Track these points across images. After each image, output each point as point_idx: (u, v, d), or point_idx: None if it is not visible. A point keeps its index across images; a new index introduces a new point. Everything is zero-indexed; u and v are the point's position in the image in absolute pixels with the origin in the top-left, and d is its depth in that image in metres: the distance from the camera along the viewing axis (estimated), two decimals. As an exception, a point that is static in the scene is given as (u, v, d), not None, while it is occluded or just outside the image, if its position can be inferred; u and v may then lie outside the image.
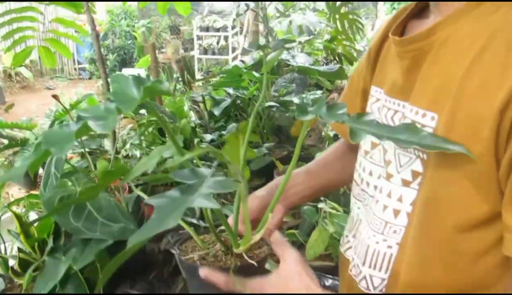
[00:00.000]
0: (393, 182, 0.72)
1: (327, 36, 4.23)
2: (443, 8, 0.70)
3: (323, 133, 2.63)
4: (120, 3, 9.73)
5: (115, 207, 1.27)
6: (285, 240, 0.77)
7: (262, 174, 2.04)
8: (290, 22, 3.11)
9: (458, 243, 0.66)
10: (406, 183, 0.70)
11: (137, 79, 0.67)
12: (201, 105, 2.25)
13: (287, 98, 2.25)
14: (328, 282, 1.37)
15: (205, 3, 8.38)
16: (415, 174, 0.69)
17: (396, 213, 0.72)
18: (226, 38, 8.73)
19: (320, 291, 0.70)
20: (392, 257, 0.74)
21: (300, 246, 1.54)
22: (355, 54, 4.16)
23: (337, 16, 3.52)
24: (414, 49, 0.71)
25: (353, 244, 0.87)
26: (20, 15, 1.96)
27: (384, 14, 13.82)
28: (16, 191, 3.30)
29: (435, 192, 0.66)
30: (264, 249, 0.90)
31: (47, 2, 1.91)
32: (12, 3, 1.97)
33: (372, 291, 0.77)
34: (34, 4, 1.90)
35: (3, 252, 1.59)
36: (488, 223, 0.63)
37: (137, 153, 2.21)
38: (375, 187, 0.79)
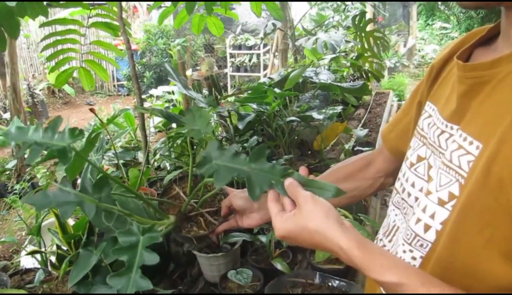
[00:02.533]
0: (430, 199, 0.75)
1: (354, 54, 4.33)
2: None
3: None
4: (156, 22, 10.05)
5: (143, 210, 1.40)
6: (299, 185, 0.82)
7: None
8: (316, 40, 3.23)
9: (479, 271, 0.67)
10: (441, 202, 0.73)
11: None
12: (227, 120, 2.39)
13: (308, 113, 2.36)
14: (335, 283, 1.46)
15: (238, 22, 8.61)
16: (451, 196, 0.71)
17: (427, 228, 0.75)
18: (258, 56, 8.95)
19: (336, 216, 0.75)
20: None
21: (312, 250, 1.64)
22: (385, 71, 4.23)
23: (362, 34, 3.63)
24: (474, 77, 0.72)
25: (389, 249, 0.91)
26: (63, 38, 2.14)
27: (417, 30, 13.80)
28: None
29: (465, 218, 0.68)
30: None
31: (89, 24, 2.08)
32: (57, 26, 2.14)
33: None
34: (76, 26, 2.07)
35: (43, 248, 1.76)
36: None
37: (167, 164, 2.37)
38: (416, 198, 0.83)
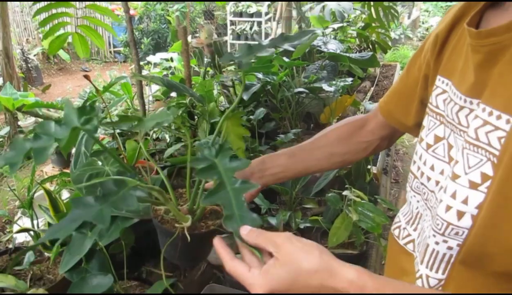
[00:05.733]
0: (459, 183, 0.68)
1: (360, 24, 4.17)
2: None
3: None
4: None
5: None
6: (263, 230, 0.68)
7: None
8: (323, 7, 3.07)
9: None
10: (474, 185, 0.66)
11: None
12: (231, 90, 2.25)
13: (317, 84, 2.23)
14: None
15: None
16: (484, 177, 0.65)
17: (460, 214, 0.68)
18: (259, 23, 8.70)
19: (326, 249, 0.66)
20: (451, 259, 0.73)
21: (323, 233, 1.54)
22: (389, 42, 4.09)
23: (371, 3, 3.47)
24: (491, 43, 0.66)
25: (415, 238, 0.86)
26: (57, 1, 1.99)
27: (422, 2, 13.52)
28: (50, 169, 3.39)
29: (507, 199, 0.62)
30: (218, 222, 0.95)
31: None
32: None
33: None
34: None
35: (35, 221, 1.65)
36: None
37: (167, 136, 2.24)
38: (437, 182, 0.77)
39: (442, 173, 0.76)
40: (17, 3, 9.55)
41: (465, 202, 0.67)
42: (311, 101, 2.39)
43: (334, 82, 2.16)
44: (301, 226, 1.52)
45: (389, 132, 1.04)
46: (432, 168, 0.78)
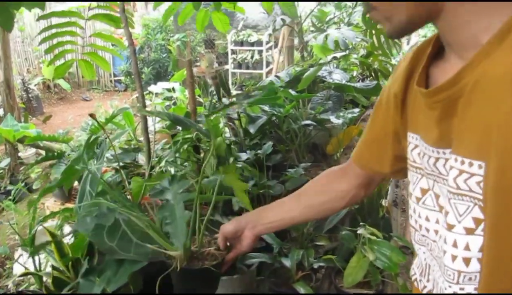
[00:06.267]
0: (456, 232, 0.70)
1: (362, 51, 4.18)
2: (462, 52, 0.69)
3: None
4: (155, 16, 9.88)
5: (150, 227, 1.24)
6: None
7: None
8: (326, 36, 3.07)
9: None
10: (469, 231, 0.68)
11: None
12: (236, 122, 2.22)
13: (323, 116, 2.20)
14: (368, 312, 1.31)
15: (240, 17, 8.42)
16: (477, 221, 0.67)
17: (467, 261, 0.70)
18: (260, 52, 8.73)
19: None
20: None
21: (337, 272, 1.48)
22: (390, 69, 4.09)
23: (373, 32, 3.47)
24: (443, 98, 0.69)
25: (431, 289, 0.85)
26: (62, 30, 1.99)
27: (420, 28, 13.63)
28: (51, 203, 3.34)
29: (501, 234, 0.65)
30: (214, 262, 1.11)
31: (89, 16, 1.93)
32: (54, 19, 1.99)
33: None
34: (74, 19, 1.92)
35: (38, 268, 1.59)
36: None
37: (172, 170, 2.19)
38: (436, 232, 0.79)
39: (437, 222, 0.78)
40: (18, 33, 9.62)
41: (467, 248, 0.69)
42: (318, 132, 2.36)
43: (341, 114, 2.13)
44: (315, 266, 1.47)
45: (365, 180, 1.07)
46: (427, 219, 0.80)
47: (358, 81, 3.84)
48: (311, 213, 1.14)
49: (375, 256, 1.32)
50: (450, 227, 0.71)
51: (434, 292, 0.83)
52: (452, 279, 0.72)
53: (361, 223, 1.44)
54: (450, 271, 0.72)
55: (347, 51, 3.66)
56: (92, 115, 1.33)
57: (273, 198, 1.92)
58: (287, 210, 1.14)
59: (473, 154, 0.66)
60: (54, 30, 1.99)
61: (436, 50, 0.77)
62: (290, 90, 2.13)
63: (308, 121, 2.12)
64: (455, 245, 0.70)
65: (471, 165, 0.66)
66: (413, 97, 0.81)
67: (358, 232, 1.40)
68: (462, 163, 0.67)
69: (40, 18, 1.88)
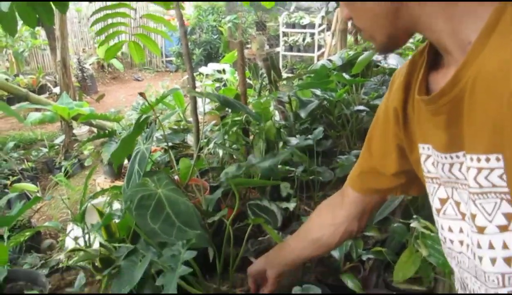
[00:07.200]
0: (489, 233, 0.67)
1: (419, 35, 4.01)
2: (455, 54, 0.69)
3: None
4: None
5: (194, 214, 1.22)
6: None
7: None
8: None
9: None
10: (503, 228, 0.66)
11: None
12: (287, 106, 2.17)
13: (377, 102, 2.11)
14: (419, 309, 1.25)
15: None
16: (508, 216, 0.65)
17: (508, 260, 0.67)
18: (312, 35, 8.58)
19: None
20: None
21: (387, 265, 1.42)
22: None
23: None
24: (446, 102, 0.69)
25: None
26: (114, 11, 2.00)
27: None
28: (102, 180, 3.42)
29: None
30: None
31: (139, -2, 1.93)
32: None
33: None
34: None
35: (87, 243, 1.62)
36: None
37: (220, 152, 2.18)
38: (461, 242, 0.76)
39: (461, 231, 0.75)
40: (75, 14, 9.89)
41: (505, 246, 0.66)
42: (370, 119, 2.27)
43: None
44: (363, 257, 1.41)
45: (359, 209, 1.05)
46: (450, 230, 0.77)
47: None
48: (313, 249, 1.14)
49: (429, 251, 1.25)
50: (481, 230, 0.68)
51: None
52: (497, 284, 0.69)
53: (414, 216, 1.36)
54: (492, 276, 0.69)
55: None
56: (142, 94, 1.33)
57: (322, 184, 1.87)
58: (303, 247, 1.16)
59: (488, 148, 0.64)
60: (106, 12, 2.01)
61: (432, 58, 0.77)
62: (344, 74, 2.05)
63: (361, 107, 2.04)
64: (491, 246, 0.68)
65: (488, 160, 0.64)
66: (415, 108, 0.80)
67: (411, 225, 1.33)
68: (479, 160, 0.66)
69: (93, -1, 1.91)
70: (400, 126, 0.85)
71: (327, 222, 1.10)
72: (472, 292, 0.78)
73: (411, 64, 0.81)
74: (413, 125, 0.83)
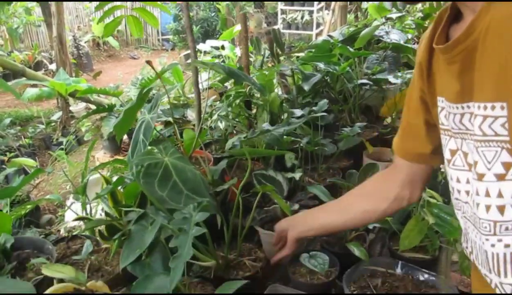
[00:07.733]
0: (487, 180, 0.70)
1: (419, 14, 3.99)
2: (472, 6, 0.71)
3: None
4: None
5: (201, 182, 1.22)
6: None
7: (351, 155, 1.94)
8: (384, -5, 2.93)
9: None
10: (501, 177, 0.68)
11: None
12: (289, 79, 2.16)
13: (380, 76, 2.11)
14: (424, 277, 1.26)
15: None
16: (506, 165, 0.67)
17: (501, 209, 0.69)
18: (310, 13, 8.51)
19: None
20: None
21: (392, 234, 1.43)
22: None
23: (434, -8, 3.30)
24: (460, 51, 0.71)
25: (471, 252, 0.83)
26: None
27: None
28: (101, 155, 3.41)
29: None
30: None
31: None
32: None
33: None
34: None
35: (89, 214, 1.62)
36: None
37: (221, 125, 2.17)
38: (467, 192, 0.78)
39: (468, 182, 0.77)
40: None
41: (500, 195, 0.68)
42: (372, 94, 2.27)
43: (399, 74, 2.03)
44: (369, 226, 1.42)
45: (409, 176, 1.04)
46: (458, 180, 0.80)
47: (414, 44, 3.67)
48: (354, 221, 1.16)
49: (435, 219, 1.26)
50: (480, 177, 0.70)
51: (474, 252, 0.82)
52: (489, 231, 0.72)
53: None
54: (485, 223, 0.72)
55: (403, 12, 3.50)
56: (148, 62, 1.32)
57: (325, 157, 1.87)
58: (328, 217, 1.19)
59: (493, 96, 0.66)
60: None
61: (455, 12, 0.78)
62: (348, 47, 2.04)
63: (365, 80, 2.03)
64: (487, 194, 0.70)
65: (493, 108, 0.66)
66: (436, 60, 0.82)
67: (417, 194, 1.34)
68: (485, 108, 0.67)
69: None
70: (424, 80, 0.87)
71: (378, 189, 1.11)
72: (471, 241, 0.80)
73: (437, 19, 0.82)
74: (435, 78, 0.84)
